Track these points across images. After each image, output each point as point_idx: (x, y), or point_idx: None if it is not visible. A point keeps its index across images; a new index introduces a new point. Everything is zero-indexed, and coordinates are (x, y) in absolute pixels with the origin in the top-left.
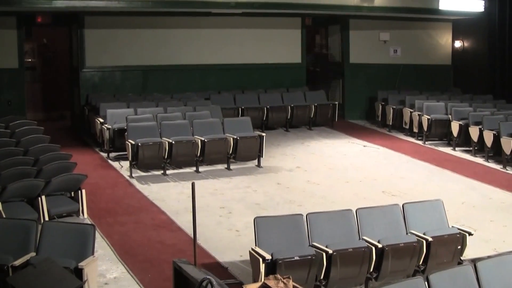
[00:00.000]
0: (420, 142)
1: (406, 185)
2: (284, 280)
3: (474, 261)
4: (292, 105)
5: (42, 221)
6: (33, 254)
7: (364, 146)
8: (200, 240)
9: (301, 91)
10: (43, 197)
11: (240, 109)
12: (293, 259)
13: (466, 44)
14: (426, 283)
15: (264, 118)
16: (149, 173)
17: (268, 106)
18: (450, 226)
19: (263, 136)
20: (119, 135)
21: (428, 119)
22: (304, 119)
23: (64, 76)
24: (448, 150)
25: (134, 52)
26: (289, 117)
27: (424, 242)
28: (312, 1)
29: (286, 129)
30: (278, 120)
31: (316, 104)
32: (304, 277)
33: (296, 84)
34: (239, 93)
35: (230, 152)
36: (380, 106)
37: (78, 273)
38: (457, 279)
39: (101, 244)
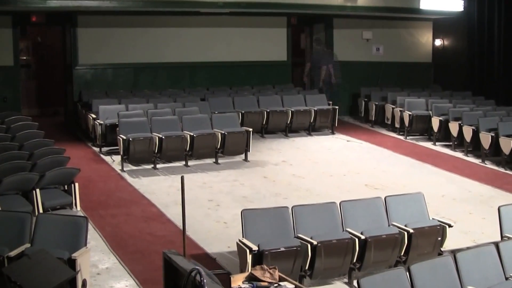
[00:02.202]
0: (401, 137)
1: (388, 178)
2: (270, 271)
3: (453, 252)
4: (292, 110)
5: (36, 213)
6: (28, 245)
7: (348, 141)
8: (189, 232)
9: (302, 94)
10: (38, 190)
11: (240, 113)
12: (279, 250)
13: (446, 43)
14: (407, 273)
15: (264, 123)
16: (140, 167)
17: (268, 110)
18: (431, 218)
19: (250, 132)
20: (111, 130)
21: (409, 115)
22: (304, 124)
23: (58, 73)
24: (428, 144)
25: (126, 50)
26: (289, 122)
27: (406, 233)
28: (297, 0)
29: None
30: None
31: (316, 109)
32: (289, 268)
33: (282, 81)
34: (237, 95)
35: (218, 146)
36: (363, 102)
37: (71, 263)
38: (438, 269)
39: (93, 236)
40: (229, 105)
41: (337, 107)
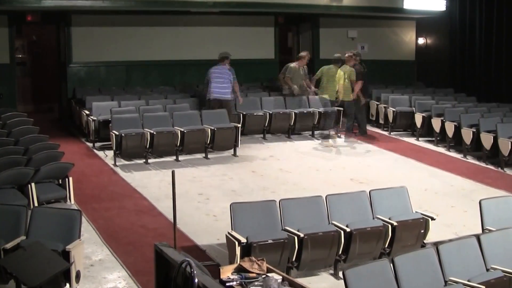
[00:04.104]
0: (386, 133)
1: (372, 173)
2: (258, 262)
3: (436, 244)
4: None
5: (31, 206)
6: (23, 237)
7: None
8: (179, 225)
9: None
10: (33, 184)
11: (241, 114)
12: (266, 243)
13: (429, 41)
14: (391, 265)
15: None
16: (132, 162)
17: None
18: (414, 212)
19: (238, 127)
20: (104, 126)
21: (393, 111)
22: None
23: (52, 71)
24: (412, 140)
25: (118, 48)
26: (292, 123)
27: (390, 226)
28: (285, 0)
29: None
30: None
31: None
32: (277, 259)
33: (269, 79)
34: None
35: (208, 142)
36: None
37: (66, 255)
38: (421, 261)
39: (87, 228)
40: None
41: (341, 109)
